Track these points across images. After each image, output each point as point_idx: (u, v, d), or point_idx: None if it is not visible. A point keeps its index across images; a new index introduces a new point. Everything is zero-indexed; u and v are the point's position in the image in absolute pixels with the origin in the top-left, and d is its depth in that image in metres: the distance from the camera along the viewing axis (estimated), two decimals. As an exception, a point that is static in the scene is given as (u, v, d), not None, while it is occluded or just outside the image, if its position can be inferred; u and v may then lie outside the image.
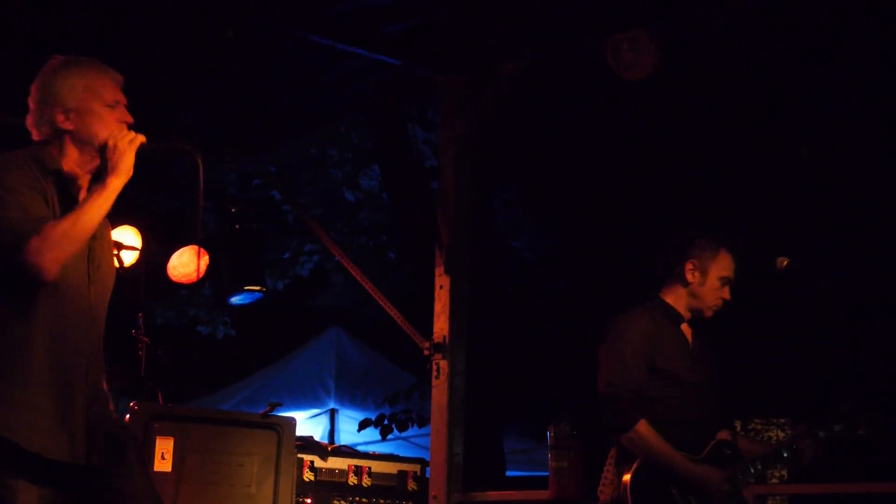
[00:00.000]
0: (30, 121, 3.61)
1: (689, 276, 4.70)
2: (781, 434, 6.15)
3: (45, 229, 3.33)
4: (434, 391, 6.57)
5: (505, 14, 6.15)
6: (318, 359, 12.70)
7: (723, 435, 4.66)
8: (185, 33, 6.27)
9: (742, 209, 9.30)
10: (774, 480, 6.54)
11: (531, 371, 12.01)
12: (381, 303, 6.98)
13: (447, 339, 6.55)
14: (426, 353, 6.59)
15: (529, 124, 10.76)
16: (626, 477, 4.46)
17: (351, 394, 12.49)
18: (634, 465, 4.47)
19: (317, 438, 6.40)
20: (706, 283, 4.70)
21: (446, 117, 6.86)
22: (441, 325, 6.58)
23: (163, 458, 5.13)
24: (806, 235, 8.27)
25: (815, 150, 8.80)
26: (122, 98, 3.64)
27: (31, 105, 3.61)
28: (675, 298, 4.75)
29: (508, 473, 10.71)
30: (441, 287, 6.62)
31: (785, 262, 4.70)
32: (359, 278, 7.20)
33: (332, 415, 12.61)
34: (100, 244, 3.63)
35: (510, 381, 10.72)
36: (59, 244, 3.33)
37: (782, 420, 4.95)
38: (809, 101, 8.95)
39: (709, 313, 4.76)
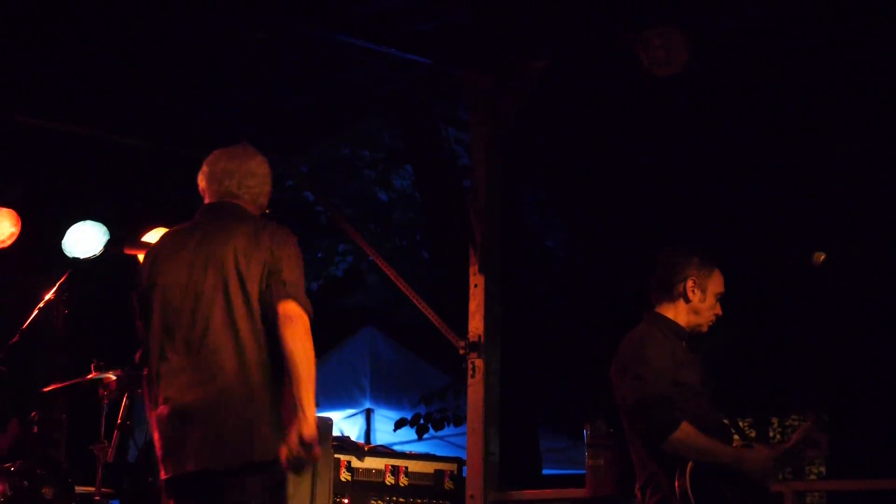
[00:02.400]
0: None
1: (690, 294, 4.72)
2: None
3: None
4: (469, 390, 6.57)
5: (532, 11, 6.14)
6: (353, 359, 12.70)
7: (737, 439, 4.65)
8: (215, 35, 6.30)
9: (779, 208, 9.24)
10: (812, 477, 6.49)
11: (567, 369, 11.97)
12: (415, 302, 6.98)
13: (482, 338, 6.54)
14: (461, 352, 6.59)
15: (559, 124, 10.72)
16: (684, 482, 4.37)
17: (386, 393, 12.49)
18: (689, 468, 4.38)
19: (353, 438, 6.40)
20: (706, 299, 4.73)
21: (476, 115, 6.86)
22: (476, 324, 6.57)
23: (200, 459, 5.13)
24: (837, 235, 8.19)
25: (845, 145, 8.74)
26: None
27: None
28: (676, 314, 4.74)
29: (544, 472, 10.68)
30: (475, 286, 6.62)
31: (822, 258, 4.69)
32: (393, 278, 7.20)
33: (368, 415, 12.61)
34: None
35: (546, 380, 10.69)
36: None
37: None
38: (841, 101, 8.88)
39: (705, 328, 4.78)
